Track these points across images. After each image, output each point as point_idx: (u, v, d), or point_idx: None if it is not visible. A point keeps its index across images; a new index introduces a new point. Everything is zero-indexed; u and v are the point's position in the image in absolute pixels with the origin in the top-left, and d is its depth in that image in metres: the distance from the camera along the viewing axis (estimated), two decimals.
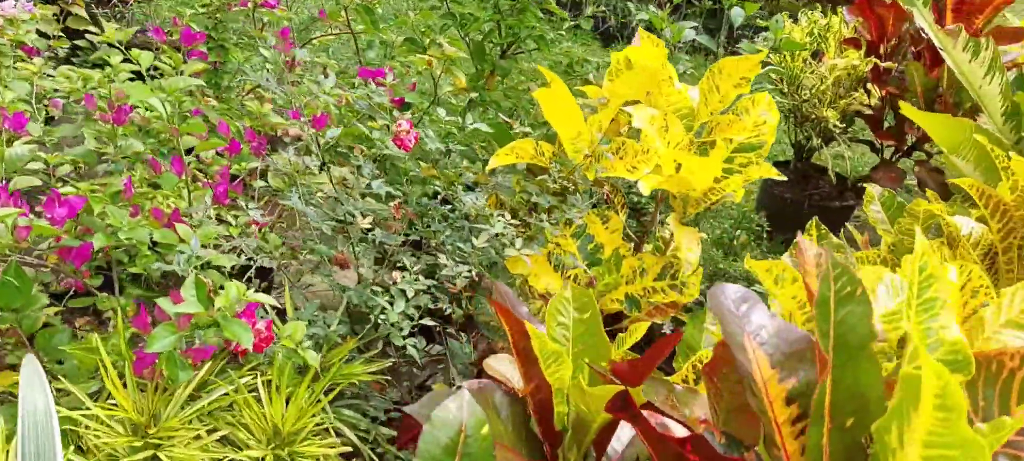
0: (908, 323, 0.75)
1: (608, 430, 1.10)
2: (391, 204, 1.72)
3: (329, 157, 2.17)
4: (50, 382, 1.60)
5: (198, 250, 1.53)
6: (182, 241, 1.63)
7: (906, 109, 2.23)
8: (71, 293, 1.78)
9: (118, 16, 4.50)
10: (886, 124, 3.61)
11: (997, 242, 1.76)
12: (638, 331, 1.42)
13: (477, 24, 2.88)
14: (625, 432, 1.18)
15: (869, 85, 3.52)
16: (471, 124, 1.95)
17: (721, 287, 0.95)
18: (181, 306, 1.38)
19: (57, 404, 1.49)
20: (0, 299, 1.49)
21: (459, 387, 1.18)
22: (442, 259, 1.73)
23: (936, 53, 3.36)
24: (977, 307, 1.49)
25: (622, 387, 0.92)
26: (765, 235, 3.11)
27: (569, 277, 1.98)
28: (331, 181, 1.76)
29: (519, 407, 1.10)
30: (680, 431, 0.90)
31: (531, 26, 2.79)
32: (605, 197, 2.02)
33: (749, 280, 3.01)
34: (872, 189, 2.10)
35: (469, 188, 2.01)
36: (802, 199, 3.67)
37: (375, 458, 1.69)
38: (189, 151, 1.93)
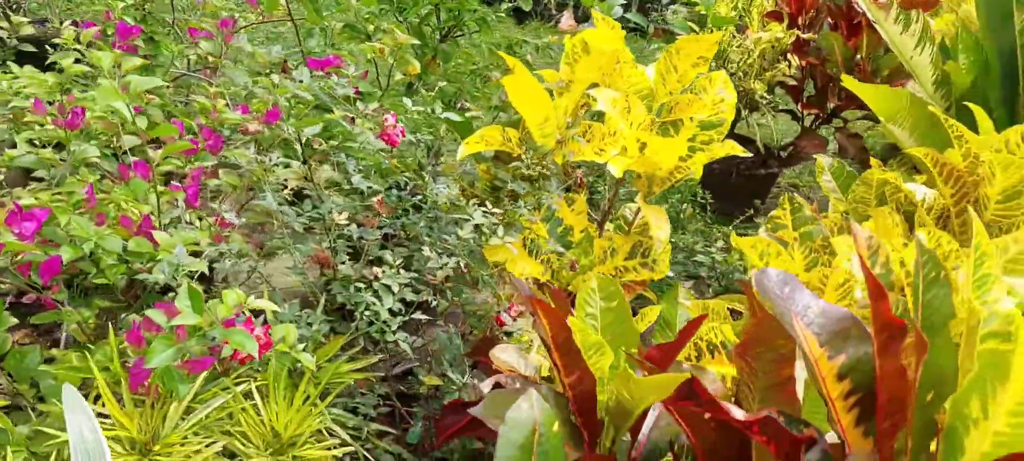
0: (970, 299, 0.79)
1: (644, 416, 1.12)
2: (374, 199, 1.69)
3: (290, 153, 2.12)
4: (29, 408, 1.52)
5: (184, 258, 1.48)
6: (157, 248, 1.57)
7: (847, 81, 2.33)
8: (6, 305, 1.69)
9: (13, 7, 4.25)
10: (806, 94, 3.75)
11: (950, 206, 1.86)
12: (651, 315, 1.44)
13: (416, 8, 2.85)
14: (650, 415, 1.20)
15: (789, 56, 3.65)
16: (443, 114, 1.93)
17: (764, 271, 0.98)
18: (179, 318, 1.33)
19: (45, 428, 1.42)
20: None
21: (501, 385, 1.18)
22: (426, 251, 1.72)
23: (852, 24, 3.52)
24: (949, 271, 1.57)
25: (688, 375, 0.94)
26: (708, 207, 3.20)
27: (544, 261, 1.99)
28: (312, 179, 1.71)
29: (562, 400, 1.11)
30: (738, 413, 0.93)
31: (473, 9, 2.78)
32: (578, 181, 2.04)
33: (691, 252, 3.09)
34: (822, 160, 2.18)
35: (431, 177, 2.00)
36: (729, 168, 3.78)
37: (367, 455, 1.67)
38: (133, 150, 1.85)
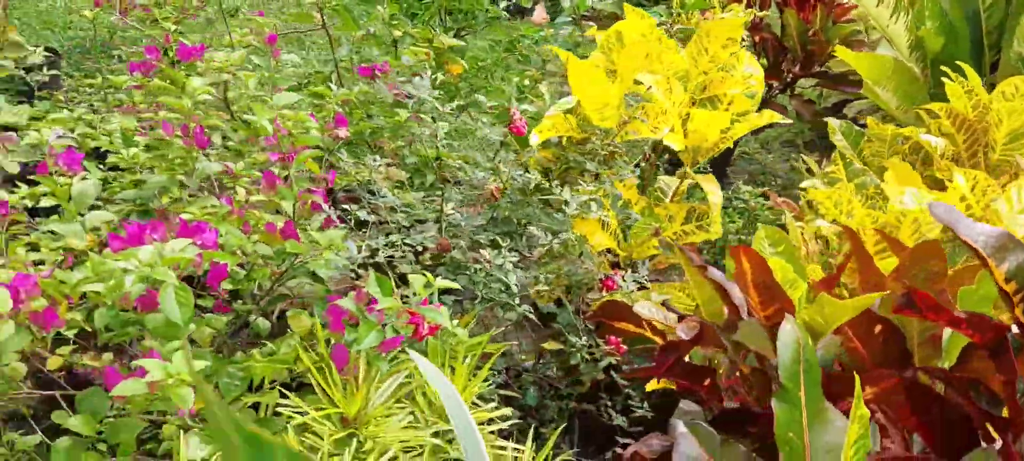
0: None
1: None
2: (492, 186, 1.87)
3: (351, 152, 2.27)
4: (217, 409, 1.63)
5: (354, 254, 1.62)
6: (306, 249, 1.70)
7: (841, 52, 2.63)
8: None
9: None
10: (763, 67, 4.09)
11: (962, 152, 2.18)
12: None
13: (427, 12, 3.01)
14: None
15: (746, 32, 3.97)
16: (521, 109, 2.12)
17: (935, 204, 1.23)
18: (381, 303, 1.48)
19: (232, 422, 1.54)
20: (169, 328, 1.50)
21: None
22: (533, 230, 1.91)
23: (803, 1, 3.87)
24: (988, 203, 1.87)
25: (876, 296, 1.18)
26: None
27: (613, 233, 2.21)
28: (439, 171, 1.87)
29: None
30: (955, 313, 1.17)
31: (484, 8, 2.96)
32: (645, 157, 2.26)
33: None
34: (833, 123, 2.48)
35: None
36: None
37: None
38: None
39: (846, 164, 2.13)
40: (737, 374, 1.56)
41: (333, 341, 1.53)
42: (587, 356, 1.88)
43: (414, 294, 1.63)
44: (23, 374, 1.67)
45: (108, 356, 1.75)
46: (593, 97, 2.20)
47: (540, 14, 4.09)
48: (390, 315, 1.50)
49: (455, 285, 1.57)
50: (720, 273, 1.42)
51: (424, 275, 1.51)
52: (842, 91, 3.97)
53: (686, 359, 1.56)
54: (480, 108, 2.12)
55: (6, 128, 2.55)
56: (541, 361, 2.05)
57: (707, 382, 1.51)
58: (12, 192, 1.90)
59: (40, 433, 1.69)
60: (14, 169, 2.18)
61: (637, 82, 2.30)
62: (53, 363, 1.71)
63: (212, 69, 2.35)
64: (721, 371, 1.57)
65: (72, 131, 2.15)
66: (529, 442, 1.73)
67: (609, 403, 2.04)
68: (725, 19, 2.35)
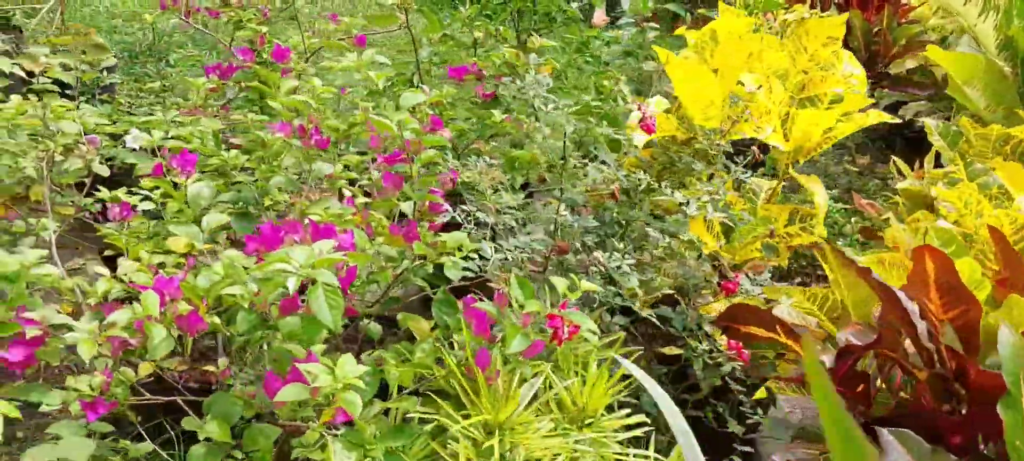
0: None
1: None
2: (612, 186, 1.83)
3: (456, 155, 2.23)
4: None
5: (488, 255, 1.59)
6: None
7: (932, 51, 2.59)
8: None
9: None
10: None
11: None
12: None
13: (504, 13, 2.97)
14: None
15: None
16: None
17: None
18: (527, 307, 1.44)
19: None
20: (306, 331, 1.46)
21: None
22: (651, 232, 1.87)
23: (867, 2, 3.83)
24: None
25: None
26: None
27: (715, 235, 2.16)
28: (562, 173, 1.83)
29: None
30: None
31: (561, 8, 2.92)
32: (755, 158, 2.21)
33: None
34: (930, 123, 2.43)
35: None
36: None
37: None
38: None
39: (966, 164, 2.09)
40: (879, 382, 1.52)
41: (464, 346, 1.49)
42: (709, 361, 1.84)
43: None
44: (134, 379, 1.64)
45: (223, 361, 1.71)
46: (697, 96, 2.16)
47: (600, 16, 4.07)
48: (534, 319, 1.46)
49: (597, 288, 1.53)
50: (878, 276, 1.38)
51: (572, 278, 1.47)
52: (904, 92, 3.92)
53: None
54: (593, 110, 2.08)
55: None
56: (650, 366, 2.01)
57: (860, 388, 1.47)
58: (91, 194, 1.88)
59: (148, 439, 1.66)
60: (104, 172, 2.15)
61: (738, 82, 2.26)
62: (144, 369, 1.68)
63: (297, 69, 2.33)
64: (871, 374, 1.53)
65: (166, 133, 2.12)
66: (651, 449, 1.69)
67: (720, 409, 1.99)
68: (826, 18, 2.31)
